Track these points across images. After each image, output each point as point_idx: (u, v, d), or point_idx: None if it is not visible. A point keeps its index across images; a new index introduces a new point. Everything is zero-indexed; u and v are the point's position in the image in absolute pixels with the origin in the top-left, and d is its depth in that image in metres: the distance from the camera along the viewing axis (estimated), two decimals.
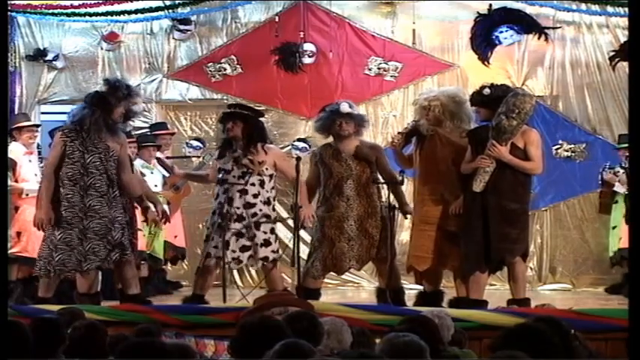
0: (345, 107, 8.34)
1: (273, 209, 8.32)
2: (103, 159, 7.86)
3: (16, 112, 10.80)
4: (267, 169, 8.20)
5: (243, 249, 8.13)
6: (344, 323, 5.31)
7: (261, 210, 8.15)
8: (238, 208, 8.10)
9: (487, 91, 7.93)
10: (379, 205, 8.35)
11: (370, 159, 8.33)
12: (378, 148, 8.69)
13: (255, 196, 8.16)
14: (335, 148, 8.38)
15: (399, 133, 8.41)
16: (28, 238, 9.06)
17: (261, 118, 8.41)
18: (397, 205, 8.19)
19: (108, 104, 7.87)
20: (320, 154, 8.48)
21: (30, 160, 9.29)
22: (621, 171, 10.01)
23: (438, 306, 7.67)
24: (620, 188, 9.99)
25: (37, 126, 9.66)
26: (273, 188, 8.31)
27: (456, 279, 8.17)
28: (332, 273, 8.69)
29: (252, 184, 8.16)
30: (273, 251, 8.19)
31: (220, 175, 8.23)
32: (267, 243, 8.15)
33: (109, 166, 7.88)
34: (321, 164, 8.41)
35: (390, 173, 8.35)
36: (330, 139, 8.49)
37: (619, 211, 10.07)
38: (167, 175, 10.04)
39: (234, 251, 8.10)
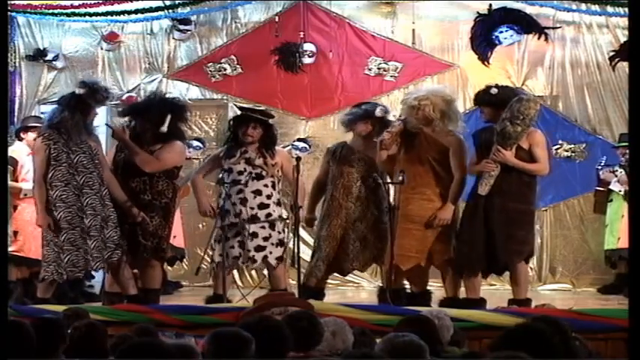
0: (378, 112, 8.32)
1: (285, 210, 8.49)
2: (90, 158, 7.88)
3: (15, 113, 10.80)
4: (278, 170, 8.33)
5: (258, 249, 8.24)
6: (345, 324, 5.31)
7: (274, 211, 8.27)
8: (252, 208, 8.21)
9: (494, 90, 7.90)
10: (385, 206, 8.33)
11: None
12: None
13: (269, 197, 8.27)
14: (350, 148, 8.36)
15: (387, 132, 8.11)
16: (25, 238, 9.05)
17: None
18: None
19: (87, 107, 7.90)
20: (334, 153, 8.46)
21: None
22: (619, 170, 10.00)
23: (426, 306, 7.64)
24: (617, 187, 10.00)
25: None
26: (281, 190, 8.43)
27: (444, 279, 8.13)
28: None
29: (266, 186, 8.28)
30: (284, 251, 8.34)
31: (228, 176, 8.27)
32: (281, 243, 8.30)
33: (96, 164, 7.90)
34: (333, 163, 8.40)
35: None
36: (347, 139, 8.50)
37: (613, 209, 10.07)
38: None
39: (249, 250, 8.18)
